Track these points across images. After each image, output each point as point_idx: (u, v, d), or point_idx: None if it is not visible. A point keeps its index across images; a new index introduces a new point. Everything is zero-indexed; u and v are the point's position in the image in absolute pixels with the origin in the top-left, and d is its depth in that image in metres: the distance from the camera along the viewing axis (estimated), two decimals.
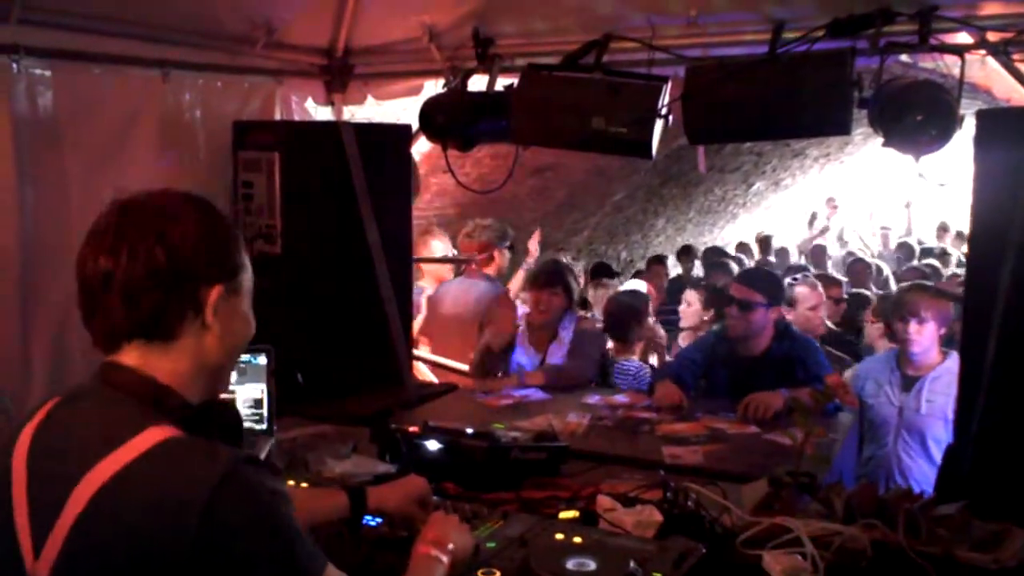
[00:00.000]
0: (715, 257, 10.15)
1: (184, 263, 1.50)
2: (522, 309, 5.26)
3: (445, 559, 1.88)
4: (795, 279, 5.60)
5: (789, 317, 5.25)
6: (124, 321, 1.50)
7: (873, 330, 5.63)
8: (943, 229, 13.76)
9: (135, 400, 1.49)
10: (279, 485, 1.47)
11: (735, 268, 8.80)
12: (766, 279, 4.51)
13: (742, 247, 12.52)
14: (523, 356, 4.81)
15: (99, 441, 1.42)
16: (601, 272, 8.30)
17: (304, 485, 2.68)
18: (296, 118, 4.47)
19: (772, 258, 12.17)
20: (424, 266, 6.00)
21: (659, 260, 10.08)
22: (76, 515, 1.39)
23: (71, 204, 3.44)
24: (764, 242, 12.89)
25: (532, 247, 6.18)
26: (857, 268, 9.05)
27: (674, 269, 10.62)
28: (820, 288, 5.55)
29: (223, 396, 1.69)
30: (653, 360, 5.59)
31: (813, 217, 15.97)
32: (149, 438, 1.41)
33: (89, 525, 1.38)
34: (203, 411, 1.55)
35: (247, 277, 1.63)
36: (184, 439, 1.44)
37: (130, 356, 1.52)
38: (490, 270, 5.73)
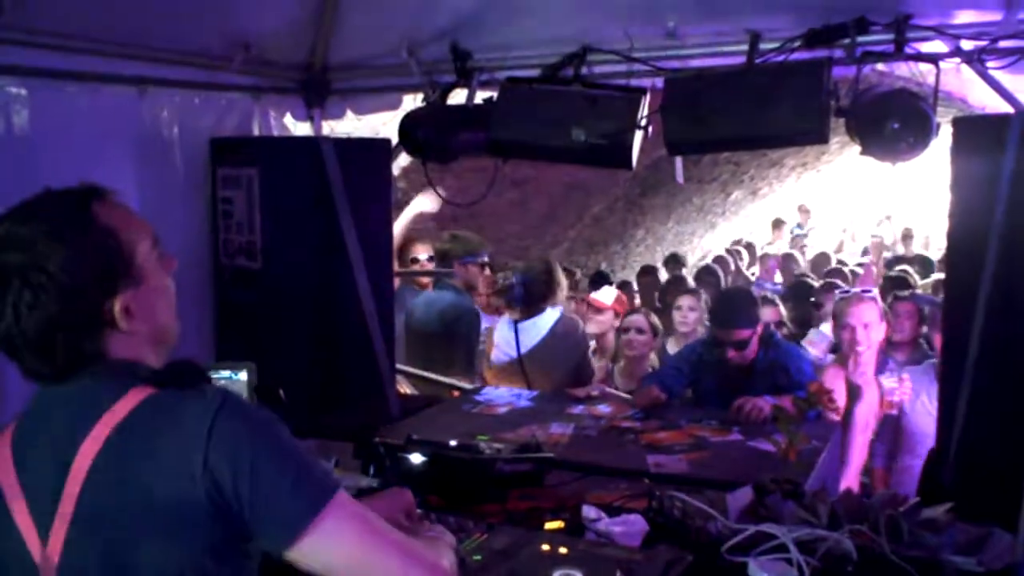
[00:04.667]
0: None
1: (73, 298, 1.49)
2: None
3: None
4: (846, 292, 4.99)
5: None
6: (48, 368, 1.52)
7: None
8: (908, 236, 13.75)
9: (107, 375, 1.52)
10: (272, 413, 1.52)
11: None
12: (744, 307, 4.43)
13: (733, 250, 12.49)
14: None
15: (83, 415, 1.46)
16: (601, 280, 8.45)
17: None
18: (275, 134, 4.46)
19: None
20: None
21: (649, 271, 10.06)
22: (77, 492, 1.42)
23: None
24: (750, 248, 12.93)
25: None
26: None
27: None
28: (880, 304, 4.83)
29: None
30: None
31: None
32: (134, 397, 1.46)
33: (93, 493, 1.42)
34: (171, 370, 1.57)
35: (144, 256, 1.59)
36: (169, 390, 1.49)
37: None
38: (456, 282, 5.65)
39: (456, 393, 5.10)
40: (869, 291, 4.75)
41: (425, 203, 5.87)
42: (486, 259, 5.73)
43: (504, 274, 5.57)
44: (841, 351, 4.76)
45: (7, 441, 1.54)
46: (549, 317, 5.04)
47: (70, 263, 1.48)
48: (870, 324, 4.50)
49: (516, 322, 5.06)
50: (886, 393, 4.55)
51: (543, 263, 5.22)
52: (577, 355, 5.08)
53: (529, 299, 5.03)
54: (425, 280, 5.89)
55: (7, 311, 1.47)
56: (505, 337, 5.11)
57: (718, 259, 11.14)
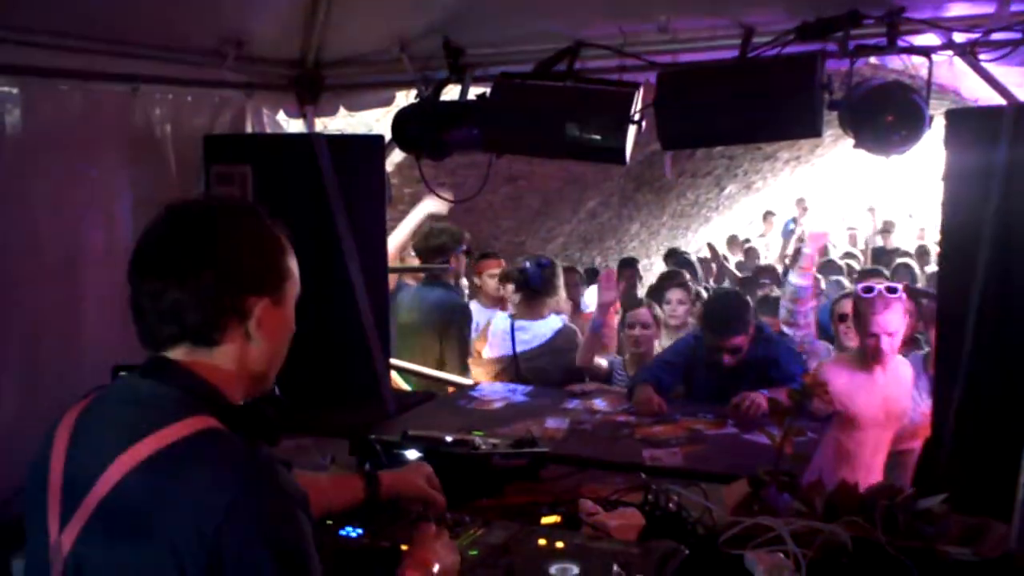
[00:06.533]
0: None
1: (231, 280, 1.56)
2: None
3: None
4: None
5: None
6: (170, 332, 1.56)
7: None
8: (887, 229, 13.58)
9: (179, 391, 1.53)
10: (303, 492, 1.50)
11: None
12: (739, 314, 4.38)
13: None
14: None
15: (137, 425, 1.46)
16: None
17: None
18: (268, 131, 4.44)
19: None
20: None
21: (629, 263, 10.05)
22: (104, 493, 1.43)
23: (41, 223, 3.42)
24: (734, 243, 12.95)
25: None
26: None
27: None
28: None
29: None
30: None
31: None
32: (190, 425, 1.45)
33: (115, 503, 1.42)
34: (244, 409, 1.60)
35: (292, 284, 1.68)
36: (224, 432, 1.48)
37: (176, 353, 1.57)
38: (448, 276, 5.58)
39: (451, 389, 5.10)
40: (895, 290, 4.25)
41: (433, 204, 5.80)
42: (466, 248, 5.70)
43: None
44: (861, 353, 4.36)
45: (75, 412, 1.56)
46: (550, 324, 5.04)
47: (250, 237, 1.61)
48: (896, 332, 4.17)
49: (514, 319, 5.05)
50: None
51: (549, 260, 5.28)
52: (570, 365, 5.07)
53: (538, 288, 5.02)
54: (421, 276, 5.85)
55: (174, 249, 1.55)
56: (501, 334, 5.09)
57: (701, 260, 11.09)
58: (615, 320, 5.54)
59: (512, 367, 5.00)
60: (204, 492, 1.39)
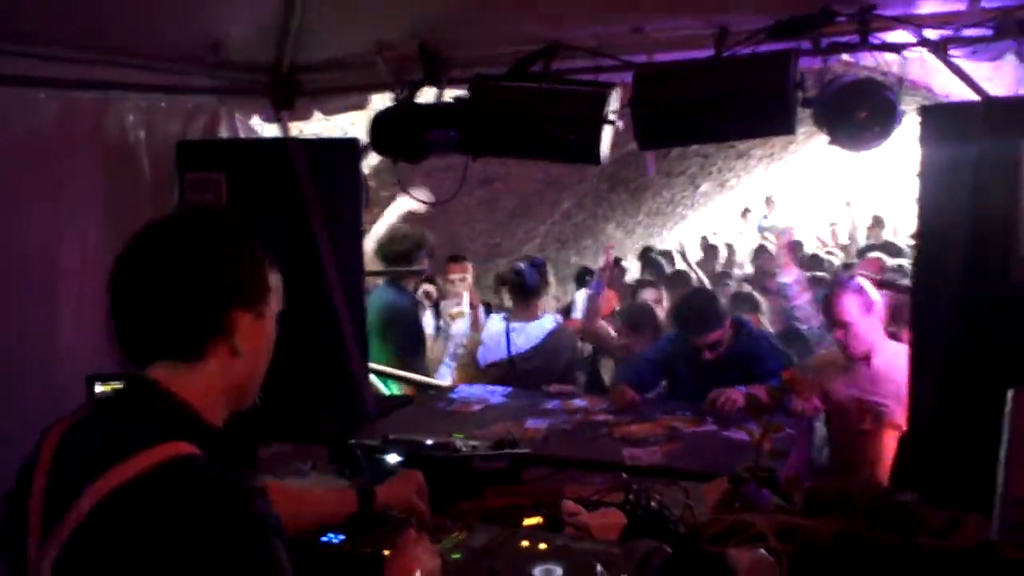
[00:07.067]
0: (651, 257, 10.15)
1: (215, 290, 1.57)
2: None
3: None
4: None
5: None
6: (153, 342, 1.56)
7: None
8: (878, 224, 13.62)
9: (155, 415, 1.52)
10: (276, 517, 1.48)
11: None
12: (711, 311, 4.43)
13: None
14: None
15: (112, 451, 1.44)
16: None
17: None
18: (242, 136, 4.42)
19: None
20: None
21: (614, 262, 10.04)
22: (78, 521, 1.41)
23: (14, 232, 3.39)
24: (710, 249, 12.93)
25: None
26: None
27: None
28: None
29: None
30: None
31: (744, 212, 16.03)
32: (161, 452, 1.43)
33: (88, 532, 1.40)
34: (220, 433, 1.59)
35: (275, 297, 1.69)
36: (196, 458, 1.45)
37: (157, 372, 1.56)
38: (407, 280, 5.59)
39: (410, 391, 5.10)
40: (852, 278, 4.33)
41: (409, 202, 5.75)
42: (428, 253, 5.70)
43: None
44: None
45: (58, 433, 1.55)
46: (543, 325, 5.04)
47: (233, 251, 1.62)
48: (850, 322, 4.16)
49: (509, 321, 5.05)
50: None
51: (542, 259, 5.33)
52: (566, 364, 5.09)
53: (535, 289, 5.05)
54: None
55: (158, 263, 1.55)
56: (496, 336, 5.09)
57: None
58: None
59: (509, 371, 5.00)
60: (173, 520, 1.37)
